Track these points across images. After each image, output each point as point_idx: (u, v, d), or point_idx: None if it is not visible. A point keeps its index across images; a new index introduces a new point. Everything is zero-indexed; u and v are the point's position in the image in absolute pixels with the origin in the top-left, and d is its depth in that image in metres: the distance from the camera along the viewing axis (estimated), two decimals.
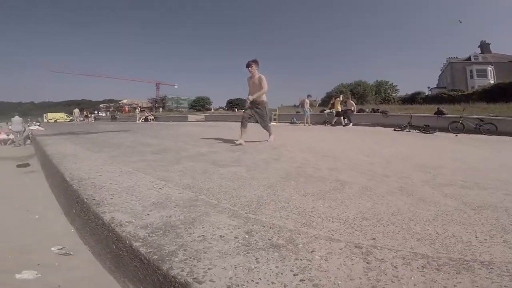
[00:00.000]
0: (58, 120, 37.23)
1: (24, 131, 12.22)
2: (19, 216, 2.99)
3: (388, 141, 6.48)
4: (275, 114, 16.35)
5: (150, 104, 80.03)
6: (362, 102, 27.95)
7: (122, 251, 1.23)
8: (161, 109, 57.86)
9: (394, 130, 10.21)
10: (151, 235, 1.19)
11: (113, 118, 31.69)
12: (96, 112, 49.79)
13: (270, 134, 4.91)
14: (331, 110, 13.97)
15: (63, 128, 13.36)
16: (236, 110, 29.85)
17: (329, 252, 1.05)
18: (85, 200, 1.75)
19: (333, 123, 12.88)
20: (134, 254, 1.11)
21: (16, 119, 12.07)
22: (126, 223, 1.33)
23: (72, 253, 2.17)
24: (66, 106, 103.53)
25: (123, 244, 1.20)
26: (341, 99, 13.45)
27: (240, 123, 4.66)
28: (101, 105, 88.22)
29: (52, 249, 2.25)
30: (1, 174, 5.33)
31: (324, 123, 13.75)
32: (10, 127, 12.90)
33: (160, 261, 0.97)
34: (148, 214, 1.45)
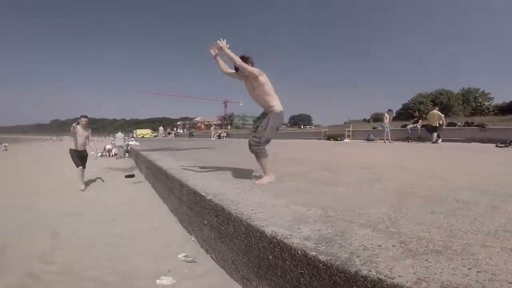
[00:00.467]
0: (144, 136, 42.55)
1: (124, 145, 14.44)
2: (143, 223, 3.45)
3: (496, 158, 5.47)
4: (348, 131, 15.43)
5: (219, 122, 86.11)
6: (447, 113, 24.25)
7: (286, 260, 1.35)
8: (229, 126, 61.73)
9: (497, 146, 8.52)
10: (318, 245, 1.28)
11: (191, 135, 35.12)
12: (175, 129, 56.14)
13: (265, 172, 2.91)
14: (415, 125, 12.60)
15: (154, 143, 15.34)
16: (302, 126, 29.52)
17: (489, 254, 1.13)
18: (233, 213, 1.88)
19: (417, 139, 11.62)
20: (307, 262, 1.23)
21: (119, 135, 14.35)
22: (288, 236, 1.41)
23: (197, 261, 2.36)
24: (150, 123, 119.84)
25: (293, 253, 1.30)
26: (437, 111, 11.42)
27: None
28: (178, 123, 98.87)
29: (179, 256, 2.48)
30: (118, 183, 6.34)
31: (407, 139, 12.40)
32: (113, 141, 15.47)
33: (345, 265, 1.09)
34: (299, 228, 1.52)
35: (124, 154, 13.81)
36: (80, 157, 5.63)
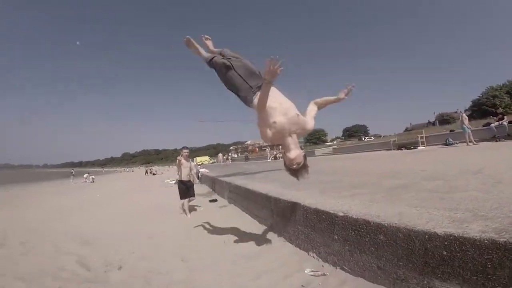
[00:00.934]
0: (203, 163, 45.12)
1: (197, 172, 15.69)
2: (251, 244, 3.62)
3: None
4: (421, 137, 14.10)
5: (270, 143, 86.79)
6: None
7: (467, 252, 1.58)
8: (280, 147, 61.91)
9: None
10: (498, 234, 1.50)
11: (246, 158, 36.38)
12: (230, 154, 58.73)
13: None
14: (500, 122, 11.13)
15: (219, 169, 16.27)
16: (363, 138, 27.83)
17: None
18: (384, 224, 2.04)
19: (507, 137, 10.57)
20: (497, 246, 1.46)
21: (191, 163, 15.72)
22: (464, 232, 1.63)
23: (327, 274, 2.41)
24: (206, 150, 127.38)
25: (478, 244, 1.54)
26: None
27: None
28: (231, 147, 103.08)
29: (306, 271, 2.54)
30: (206, 208, 6.80)
31: (493, 139, 10.88)
32: None
33: None
34: (467, 226, 1.71)
35: (195, 180, 15.00)
36: (186, 188, 5.97)
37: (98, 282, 2.69)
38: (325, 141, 69.21)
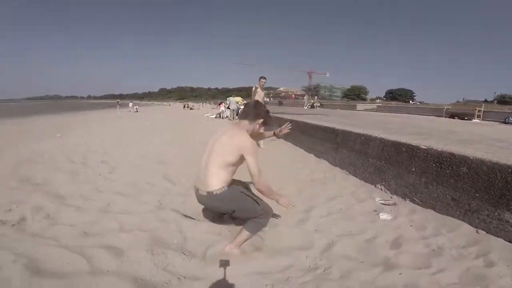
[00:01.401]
0: (237, 102, 45.46)
1: (237, 109, 16.10)
2: (315, 173, 3.90)
3: None
4: (479, 110, 12.90)
5: (303, 92, 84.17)
6: None
7: None
8: (316, 97, 60.32)
9: None
10: None
11: (280, 103, 36.06)
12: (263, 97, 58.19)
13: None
14: None
15: None
16: (411, 101, 25.86)
17: None
18: (470, 157, 2.14)
19: None
20: None
21: (231, 99, 16.02)
22: None
23: (397, 203, 2.43)
24: (239, 92, 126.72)
25: None
26: None
27: None
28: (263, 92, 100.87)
29: (376, 200, 2.74)
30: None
31: None
32: (227, 105, 17.42)
33: None
34: None
35: (234, 117, 15.54)
36: None
37: (187, 196, 2.68)
38: (365, 99, 65.34)
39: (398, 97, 66.00)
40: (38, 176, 3.31)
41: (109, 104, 44.79)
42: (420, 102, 50.51)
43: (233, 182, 1.88)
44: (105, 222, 2.14)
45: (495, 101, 34.34)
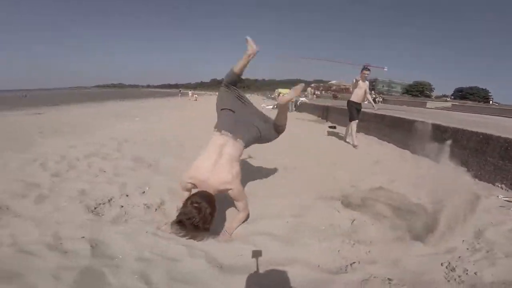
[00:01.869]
0: (285, 94, 45.40)
1: (296, 101, 16.26)
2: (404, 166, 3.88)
3: None
4: None
5: None
6: None
7: None
8: (373, 92, 57.09)
9: None
10: None
11: (335, 97, 35.01)
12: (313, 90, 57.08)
13: None
14: None
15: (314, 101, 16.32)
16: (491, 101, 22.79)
17: None
18: None
19: None
20: None
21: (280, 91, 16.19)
22: None
23: None
24: (285, 84, 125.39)
25: None
26: None
27: None
28: (312, 85, 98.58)
29: (499, 196, 2.87)
30: (336, 133, 7.27)
31: None
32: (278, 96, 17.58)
33: None
34: None
35: (292, 109, 15.75)
36: (357, 110, 5.43)
37: None
38: (429, 96, 59.31)
39: (469, 96, 58.43)
40: (146, 157, 3.72)
41: (168, 93, 48.16)
42: (497, 103, 44.25)
43: None
44: None
45: None
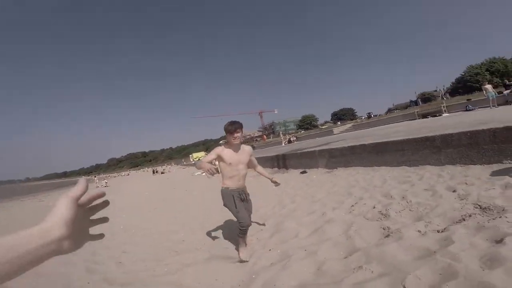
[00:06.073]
0: (200, 158, 44.75)
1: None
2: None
3: None
4: (443, 106, 16.62)
5: (260, 133, 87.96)
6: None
7: None
8: (271, 135, 64.14)
9: None
10: None
11: (253, 147, 37.12)
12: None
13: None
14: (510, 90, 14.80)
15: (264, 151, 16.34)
16: (370, 116, 28.74)
17: None
18: None
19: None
20: None
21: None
22: None
23: None
24: (196, 147, 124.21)
25: None
26: None
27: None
28: (221, 142, 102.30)
29: None
30: (323, 176, 5.83)
31: (507, 103, 13.80)
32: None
33: None
34: None
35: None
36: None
37: None
38: (316, 126, 70.95)
39: (342, 117, 73.01)
40: None
41: (58, 185, 39.12)
42: (377, 115, 56.37)
43: (230, 186, 2.59)
44: None
45: (419, 100, 39.49)
